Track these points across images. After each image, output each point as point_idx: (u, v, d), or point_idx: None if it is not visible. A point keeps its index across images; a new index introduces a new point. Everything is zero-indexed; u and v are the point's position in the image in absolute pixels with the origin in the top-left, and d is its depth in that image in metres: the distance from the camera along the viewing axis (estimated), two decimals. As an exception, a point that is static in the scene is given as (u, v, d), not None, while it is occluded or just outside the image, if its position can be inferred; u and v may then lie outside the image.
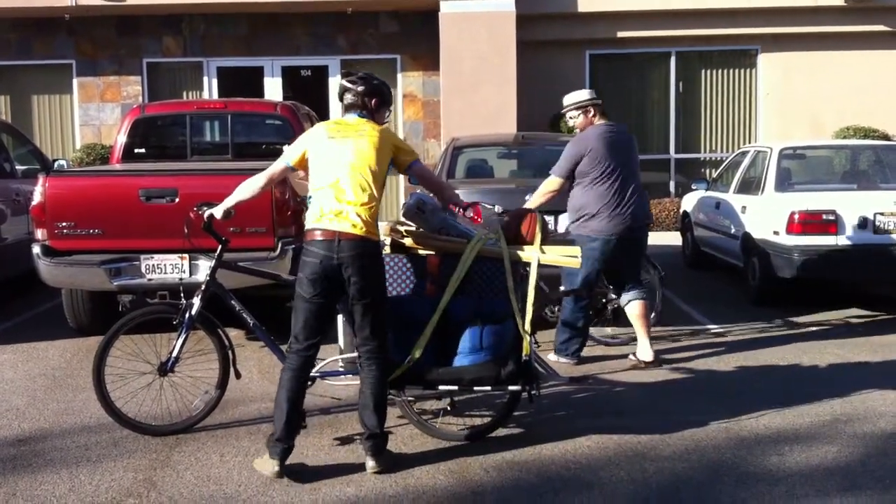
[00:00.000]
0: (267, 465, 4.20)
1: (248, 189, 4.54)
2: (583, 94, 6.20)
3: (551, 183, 6.09)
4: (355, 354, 4.71)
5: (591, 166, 5.92)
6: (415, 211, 4.61)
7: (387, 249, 4.54)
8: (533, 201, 6.03)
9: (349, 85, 4.42)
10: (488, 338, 4.34)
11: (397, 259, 4.52)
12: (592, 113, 6.12)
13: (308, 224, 4.22)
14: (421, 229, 4.64)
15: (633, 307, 6.12)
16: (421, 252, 4.56)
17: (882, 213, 7.53)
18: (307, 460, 4.44)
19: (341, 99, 4.46)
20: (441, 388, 4.47)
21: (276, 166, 4.50)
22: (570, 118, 6.20)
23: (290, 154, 4.45)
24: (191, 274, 6.42)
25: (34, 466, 4.44)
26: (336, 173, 4.21)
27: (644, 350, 6.09)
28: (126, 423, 4.80)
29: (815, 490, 4.05)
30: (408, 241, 4.59)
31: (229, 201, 4.57)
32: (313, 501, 3.99)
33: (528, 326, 4.40)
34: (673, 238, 11.63)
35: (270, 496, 4.04)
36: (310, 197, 4.30)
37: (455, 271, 4.41)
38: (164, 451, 4.61)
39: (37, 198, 6.51)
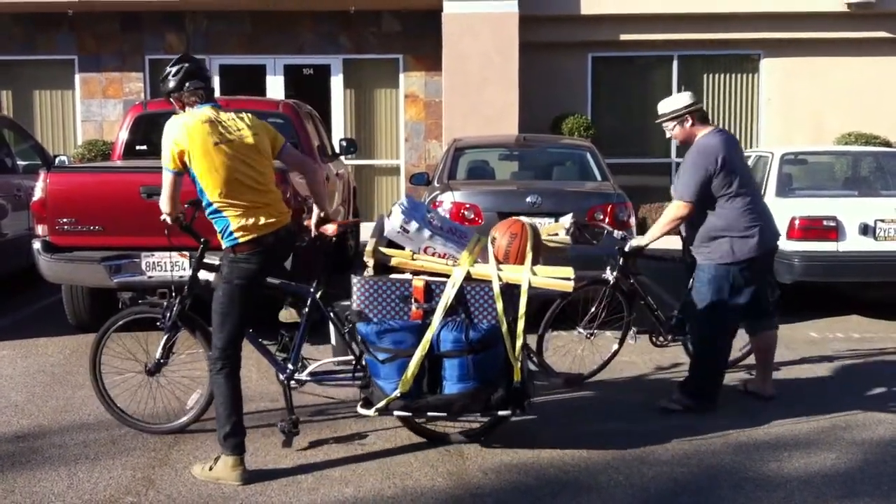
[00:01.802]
0: (229, 468, 4.16)
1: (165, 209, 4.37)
2: (678, 102, 5.32)
3: (679, 209, 5.13)
4: (349, 357, 4.72)
5: (725, 181, 5.09)
6: (398, 231, 4.39)
7: (369, 272, 4.36)
8: (656, 230, 5.25)
9: (197, 71, 4.25)
10: (476, 366, 4.17)
11: (381, 283, 4.28)
12: (691, 122, 5.27)
13: (246, 232, 4.16)
14: (406, 249, 4.44)
15: (767, 338, 5.54)
16: (406, 272, 4.37)
17: (883, 220, 7.53)
18: (306, 460, 4.44)
19: (181, 89, 4.22)
20: (430, 413, 4.36)
21: (167, 181, 4.26)
22: (667, 130, 5.39)
23: (167, 161, 4.19)
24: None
25: (33, 463, 4.44)
26: (245, 180, 4.16)
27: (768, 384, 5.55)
28: (126, 421, 4.82)
29: (814, 496, 4.05)
30: (393, 262, 4.38)
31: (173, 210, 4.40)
32: (312, 501, 3.99)
33: (518, 353, 4.24)
34: (674, 242, 11.59)
35: (268, 496, 4.04)
36: (215, 209, 4.18)
37: (442, 296, 4.22)
38: (163, 449, 4.61)
39: (38, 193, 6.51)
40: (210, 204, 4.19)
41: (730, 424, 4.99)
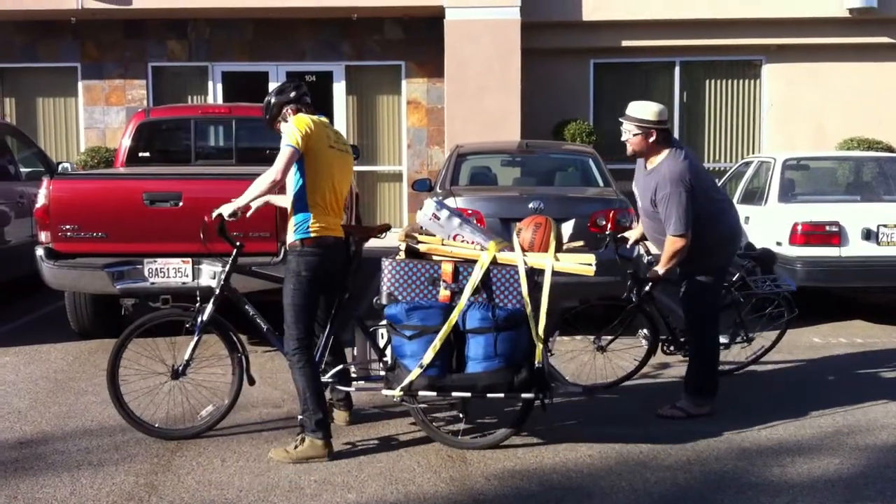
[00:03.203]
0: (319, 447, 4.48)
1: (261, 187, 4.48)
2: (652, 112, 5.09)
3: (677, 243, 5.01)
4: (371, 360, 4.86)
5: (704, 200, 5.08)
6: (430, 218, 4.64)
7: (401, 255, 4.58)
8: (665, 263, 5.10)
9: (307, 89, 4.77)
10: (502, 345, 4.32)
11: (411, 265, 4.49)
12: (655, 138, 5.10)
13: (318, 231, 4.50)
14: (436, 236, 4.67)
15: None
16: (435, 258, 4.57)
17: (885, 225, 7.53)
18: (309, 466, 4.44)
19: (300, 100, 4.68)
20: (454, 394, 4.44)
21: (287, 154, 4.39)
22: (625, 132, 5.18)
23: (293, 139, 4.41)
24: (194, 278, 6.43)
25: (35, 469, 4.45)
26: (338, 186, 4.62)
27: None
28: (139, 426, 4.83)
29: (818, 502, 4.04)
30: (423, 248, 4.60)
31: (244, 199, 4.54)
32: (314, 507, 3.99)
33: (541, 333, 4.39)
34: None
35: (272, 501, 4.04)
36: (306, 203, 4.49)
37: (470, 279, 4.41)
38: (166, 455, 4.61)
39: (41, 200, 6.52)
40: (303, 197, 4.50)
41: (733, 429, 4.98)
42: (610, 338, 5.81)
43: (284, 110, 4.67)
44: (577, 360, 6.05)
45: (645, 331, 5.78)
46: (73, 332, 7.22)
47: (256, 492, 4.14)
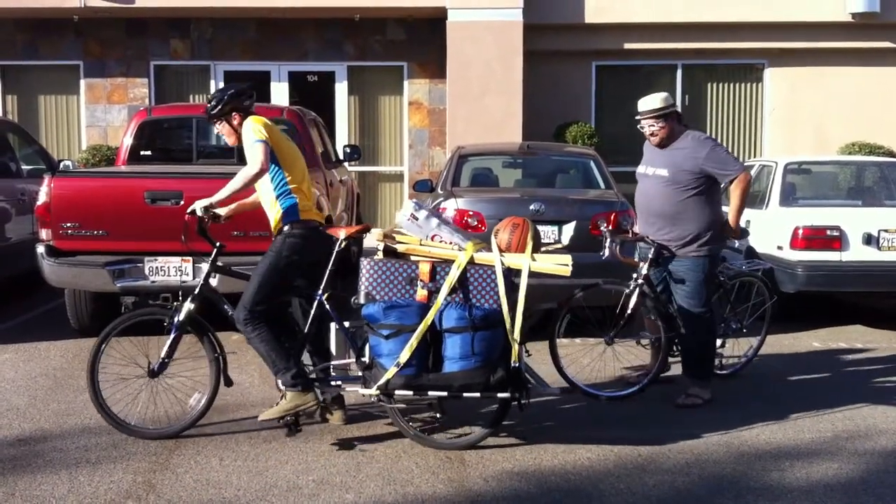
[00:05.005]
0: (300, 395, 4.58)
1: (242, 180, 4.61)
2: (659, 100, 5.45)
3: (745, 177, 5.37)
4: (349, 360, 4.81)
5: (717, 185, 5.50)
6: (408, 219, 4.69)
7: (380, 255, 4.60)
8: (735, 214, 5.48)
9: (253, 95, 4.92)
10: (478, 344, 4.33)
11: (389, 265, 4.52)
12: (675, 121, 5.49)
13: (305, 213, 4.72)
14: (415, 236, 4.71)
15: None
16: (413, 258, 4.59)
17: (886, 230, 7.52)
18: (307, 466, 4.44)
19: (248, 110, 4.81)
20: (430, 393, 4.45)
21: (263, 147, 4.56)
22: (648, 126, 5.47)
23: (260, 134, 4.59)
24: (194, 277, 6.44)
25: (34, 467, 4.45)
26: (305, 173, 4.82)
27: None
28: (120, 427, 4.82)
29: (816, 506, 4.05)
30: (401, 248, 4.64)
31: (223, 193, 4.66)
32: (312, 507, 3.99)
33: (517, 334, 4.41)
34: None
35: (270, 501, 4.04)
36: (289, 190, 4.67)
37: (447, 278, 4.43)
38: (164, 453, 4.61)
39: (42, 198, 6.53)
40: (285, 185, 4.68)
41: (731, 433, 4.98)
42: (615, 330, 5.58)
43: (232, 114, 4.77)
44: (594, 366, 5.93)
45: (646, 334, 5.76)
46: (73, 330, 7.22)
47: (254, 491, 4.14)
